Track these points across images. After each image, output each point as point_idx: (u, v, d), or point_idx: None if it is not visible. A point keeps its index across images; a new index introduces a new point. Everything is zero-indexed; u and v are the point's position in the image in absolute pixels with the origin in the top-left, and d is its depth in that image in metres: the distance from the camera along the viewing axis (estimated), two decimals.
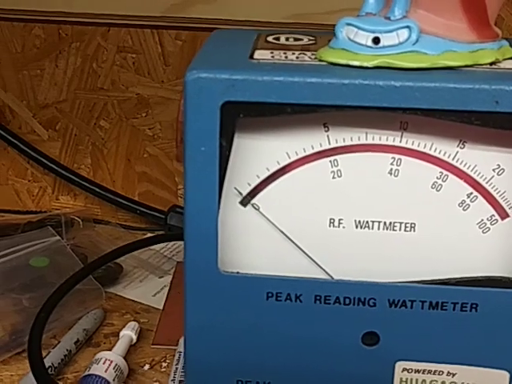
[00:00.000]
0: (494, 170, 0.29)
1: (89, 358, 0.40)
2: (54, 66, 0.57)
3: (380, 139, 0.29)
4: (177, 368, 0.39)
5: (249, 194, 0.29)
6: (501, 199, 0.29)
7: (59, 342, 0.41)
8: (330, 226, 0.30)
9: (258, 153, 0.29)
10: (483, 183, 0.29)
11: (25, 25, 0.55)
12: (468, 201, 0.29)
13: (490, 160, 0.29)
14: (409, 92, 0.27)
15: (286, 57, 0.29)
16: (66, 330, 0.42)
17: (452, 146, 0.29)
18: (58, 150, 0.59)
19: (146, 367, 0.41)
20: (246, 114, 0.28)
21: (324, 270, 0.30)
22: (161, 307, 0.47)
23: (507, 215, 0.29)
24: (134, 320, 0.44)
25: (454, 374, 0.30)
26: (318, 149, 0.29)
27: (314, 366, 0.31)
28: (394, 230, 0.30)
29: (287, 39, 0.32)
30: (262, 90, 0.27)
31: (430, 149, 0.29)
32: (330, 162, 0.29)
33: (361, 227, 0.30)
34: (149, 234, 0.57)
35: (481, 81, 0.27)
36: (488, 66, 0.29)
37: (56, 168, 0.58)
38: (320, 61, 0.29)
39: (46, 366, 0.37)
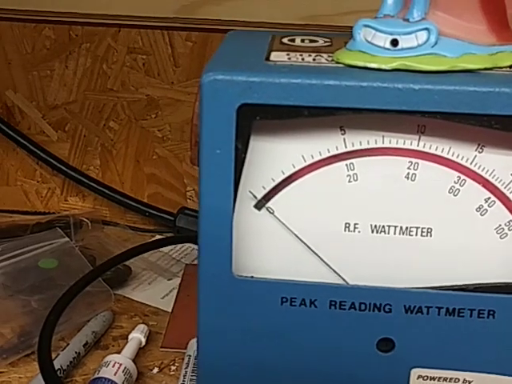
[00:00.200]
0: None
1: (97, 361, 0.40)
2: (64, 66, 0.57)
3: (397, 143, 0.28)
4: (186, 371, 0.39)
5: (263, 197, 0.29)
6: None
7: (68, 344, 0.41)
8: (345, 230, 0.29)
9: (273, 156, 0.29)
10: (501, 188, 0.28)
11: (35, 25, 0.55)
12: (486, 206, 0.29)
13: (508, 164, 0.28)
14: (428, 95, 0.26)
15: (303, 59, 0.29)
16: (75, 332, 0.42)
17: (470, 150, 0.28)
18: (67, 151, 0.59)
19: (155, 370, 0.41)
20: (263, 117, 0.27)
21: (339, 275, 0.30)
22: (169, 310, 0.47)
23: None
24: (142, 323, 0.44)
25: (470, 382, 0.30)
26: (334, 152, 0.28)
27: (328, 371, 0.30)
28: (410, 234, 0.29)
29: (302, 41, 0.32)
30: (279, 92, 0.27)
31: (448, 153, 0.28)
32: (346, 165, 0.29)
33: (377, 232, 0.29)
34: (157, 236, 0.57)
35: (501, 84, 0.26)
36: (508, 68, 0.28)
37: (65, 169, 0.58)
38: (337, 63, 0.28)
39: (55, 369, 0.37)
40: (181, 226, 0.55)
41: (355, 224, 0.29)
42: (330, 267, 0.30)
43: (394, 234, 0.29)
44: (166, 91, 0.56)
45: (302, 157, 0.29)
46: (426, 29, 0.27)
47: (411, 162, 0.28)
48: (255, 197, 0.29)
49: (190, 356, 0.40)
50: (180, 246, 0.55)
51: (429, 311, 0.29)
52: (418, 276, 0.29)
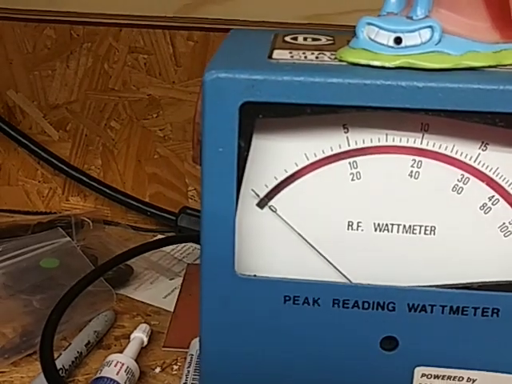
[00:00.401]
0: None
1: (99, 360, 0.40)
2: (65, 66, 0.56)
3: (400, 141, 0.28)
4: (188, 371, 0.39)
5: (266, 195, 0.29)
6: None
7: (70, 343, 0.41)
8: (348, 228, 0.29)
9: (276, 154, 0.29)
10: (505, 186, 0.28)
11: (36, 25, 0.55)
12: (489, 204, 0.29)
13: None
14: (432, 93, 0.26)
15: (306, 57, 0.29)
16: (77, 331, 0.42)
17: (474, 148, 0.28)
18: (69, 150, 0.59)
19: (157, 370, 0.41)
20: (265, 115, 0.27)
21: (342, 274, 0.29)
22: (171, 309, 0.46)
23: None
24: (144, 322, 0.44)
25: (474, 380, 0.30)
26: (336, 150, 0.28)
27: (331, 370, 0.30)
28: (413, 233, 0.29)
29: (305, 39, 0.32)
30: (281, 90, 0.26)
31: (452, 151, 0.28)
32: (349, 163, 0.29)
33: (380, 230, 0.29)
34: (159, 236, 0.57)
35: (505, 82, 0.26)
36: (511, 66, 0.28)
37: (66, 169, 0.58)
38: (340, 61, 0.28)
39: (57, 368, 0.37)
40: (182, 226, 0.54)
41: (358, 222, 0.29)
42: (333, 265, 0.29)
43: (398, 232, 0.29)
44: (167, 91, 0.56)
45: (305, 155, 0.28)
46: (430, 26, 0.27)
47: (415, 160, 0.28)
48: (258, 195, 0.29)
49: (192, 355, 0.40)
50: (182, 245, 0.55)
51: (432, 309, 0.29)
52: (422, 274, 0.29)
